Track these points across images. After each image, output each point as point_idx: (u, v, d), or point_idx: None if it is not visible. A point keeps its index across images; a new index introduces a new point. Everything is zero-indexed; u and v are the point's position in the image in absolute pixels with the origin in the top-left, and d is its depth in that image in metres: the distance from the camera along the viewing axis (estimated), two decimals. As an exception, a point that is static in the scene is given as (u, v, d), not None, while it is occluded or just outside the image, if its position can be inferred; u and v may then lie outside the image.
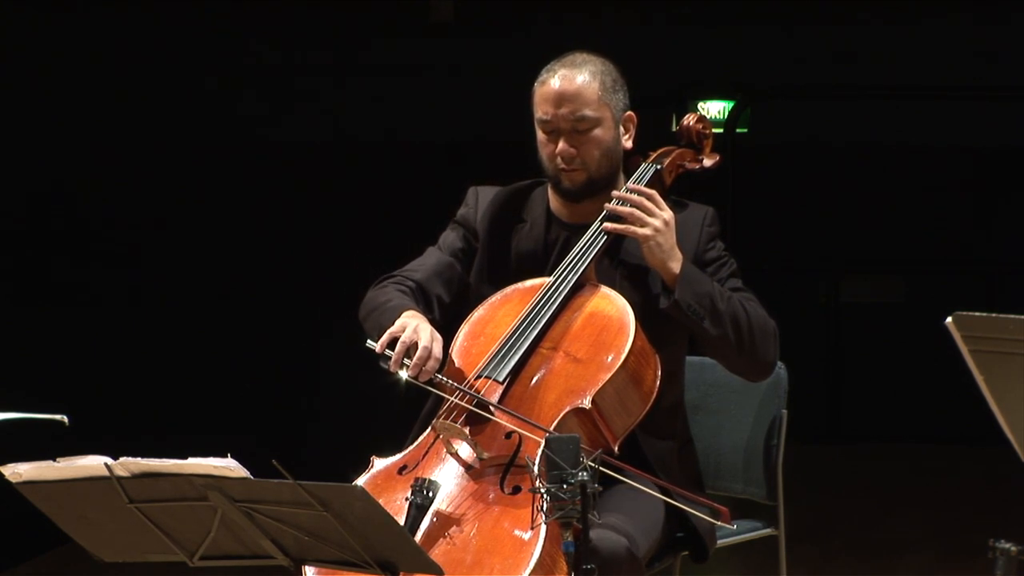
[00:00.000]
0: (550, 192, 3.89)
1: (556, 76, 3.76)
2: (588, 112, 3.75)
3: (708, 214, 3.84)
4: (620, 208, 3.72)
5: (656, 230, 3.68)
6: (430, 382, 3.57)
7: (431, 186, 9.12)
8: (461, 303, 3.89)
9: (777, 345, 3.73)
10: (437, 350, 3.57)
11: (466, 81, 9.07)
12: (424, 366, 3.54)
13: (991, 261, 9.18)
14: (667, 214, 3.70)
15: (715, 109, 9.17)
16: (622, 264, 3.79)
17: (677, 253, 3.68)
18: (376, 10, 9.15)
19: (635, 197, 3.72)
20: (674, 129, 4.06)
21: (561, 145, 3.76)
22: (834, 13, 9.03)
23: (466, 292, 3.90)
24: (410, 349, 3.56)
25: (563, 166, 3.77)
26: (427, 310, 3.78)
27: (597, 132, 3.76)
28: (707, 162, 3.97)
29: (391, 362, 3.55)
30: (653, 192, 3.74)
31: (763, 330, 3.69)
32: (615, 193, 3.76)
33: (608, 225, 3.73)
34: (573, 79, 3.75)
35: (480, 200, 3.97)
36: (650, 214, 3.69)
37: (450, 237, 3.95)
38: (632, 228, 3.70)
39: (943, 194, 9.18)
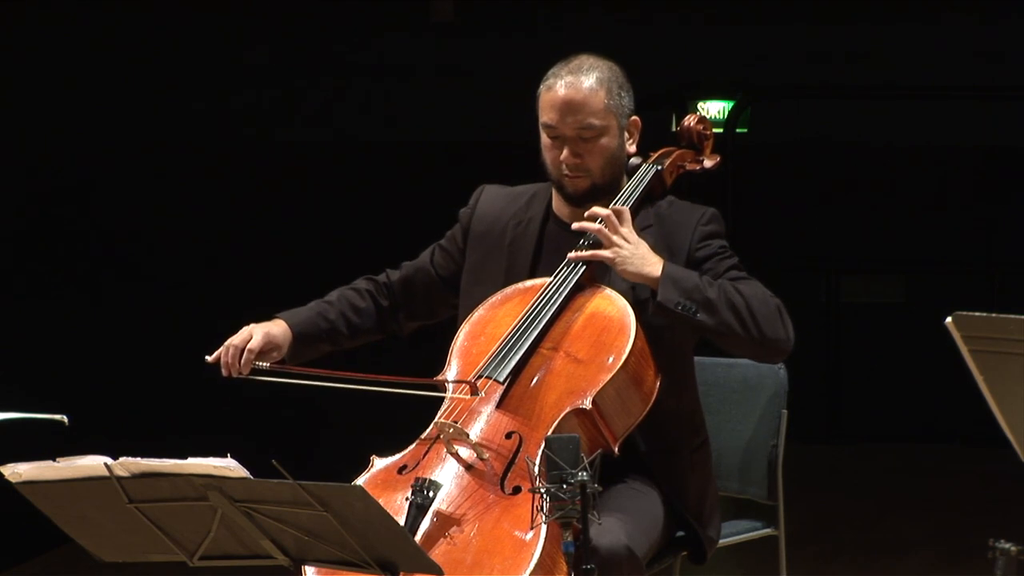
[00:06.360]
0: (554, 192, 3.87)
1: (562, 83, 3.71)
2: (594, 121, 3.71)
3: (706, 214, 3.80)
4: (587, 224, 3.64)
5: (619, 246, 3.61)
6: (258, 371, 3.74)
7: (431, 186, 9.14)
8: (443, 304, 3.97)
9: (786, 320, 3.64)
10: (253, 343, 3.76)
11: (466, 81, 9.07)
12: (232, 361, 3.75)
13: (991, 261, 9.18)
14: (625, 229, 3.62)
15: (715, 109, 9.17)
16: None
17: (652, 259, 3.62)
18: (376, 10, 9.15)
19: (593, 227, 3.63)
20: (674, 130, 4.05)
21: (565, 153, 3.72)
22: (834, 13, 9.03)
23: (445, 296, 3.96)
24: (231, 351, 3.76)
25: (567, 172, 3.74)
26: (392, 308, 3.95)
27: (603, 140, 3.73)
28: (707, 163, 3.96)
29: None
30: (610, 212, 3.64)
31: (765, 307, 3.62)
32: (575, 226, 3.66)
33: (579, 255, 3.67)
34: (580, 87, 3.71)
35: (482, 199, 3.95)
36: (614, 232, 3.62)
37: (441, 244, 3.98)
38: (599, 253, 3.64)
39: (943, 194, 9.17)
